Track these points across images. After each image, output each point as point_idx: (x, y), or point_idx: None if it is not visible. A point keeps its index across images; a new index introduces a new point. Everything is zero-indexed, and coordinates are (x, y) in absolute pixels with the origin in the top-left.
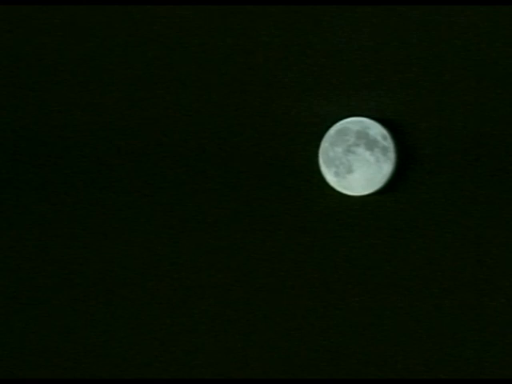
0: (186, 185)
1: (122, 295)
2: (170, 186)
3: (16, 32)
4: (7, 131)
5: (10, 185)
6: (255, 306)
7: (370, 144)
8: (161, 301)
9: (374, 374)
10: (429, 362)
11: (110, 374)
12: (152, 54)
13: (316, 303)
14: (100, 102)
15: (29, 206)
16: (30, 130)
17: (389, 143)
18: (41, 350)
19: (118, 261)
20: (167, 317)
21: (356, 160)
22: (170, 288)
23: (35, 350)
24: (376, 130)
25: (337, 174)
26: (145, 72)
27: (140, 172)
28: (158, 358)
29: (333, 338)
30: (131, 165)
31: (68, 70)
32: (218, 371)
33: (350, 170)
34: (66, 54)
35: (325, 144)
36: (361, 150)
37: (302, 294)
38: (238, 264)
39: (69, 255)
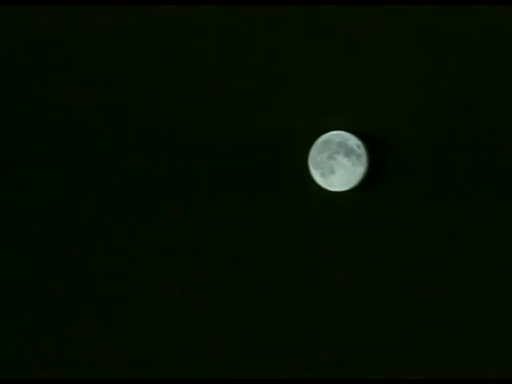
0: (189, 182)
1: (120, 295)
2: (169, 187)
3: (16, 32)
4: (7, 131)
5: (11, 184)
6: (254, 296)
7: (348, 152)
8: (151, 300)
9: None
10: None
11: (110, 374)
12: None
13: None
14: (99, 101)
15: (29, 205)
16: (30, 130)
17: (362, 151)
18: (40, 350)
19: (118, 260)
20: (160, 317)
21: (337, 164)
22: (159, 283)
23: (35, 349)
24: (352, 141)
25: (322, 175)
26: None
27: (137, 175)
28: (158, 358)
29: (324, 333)
30: (124, 169)
31: (68, 69)
32: (213, 371)
33: (332, 172)
34: (66, 54)
35: (313, 152)
36: (340, 157)
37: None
38: (239, 250)
39: (68, 255)
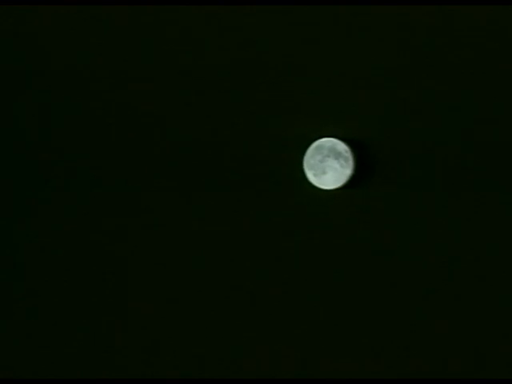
0: (187, 183)
1: (119, 296)
2: (168, 189)
3: (16, 32)
4: (7, 131)
5: (11, 184)
6: (253, 293)
7: (337, 155)
8: (149, 300)
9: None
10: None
11: (109, 374)
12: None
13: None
14: (99, 101)
15: (29, 205)
16: (30, 130)
17: (349, 155)
18: (39, 350)
19: (117, 260)
20: (157, 317)
21: (328, 166)
22: (154, 282)
23: (33, 349)
24: (341, 146)
25: (315, 175)
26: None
27: (131, 176)
28: (158, 358)
29: (319, 331)
30: (116, 170)
31: (67, 69)
32: (209, 371)
33: (323, 173)
34: (65, 54)
35: (307, 155)
36: (331, 160)
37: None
38: (238, 246)
39: (68, 254)
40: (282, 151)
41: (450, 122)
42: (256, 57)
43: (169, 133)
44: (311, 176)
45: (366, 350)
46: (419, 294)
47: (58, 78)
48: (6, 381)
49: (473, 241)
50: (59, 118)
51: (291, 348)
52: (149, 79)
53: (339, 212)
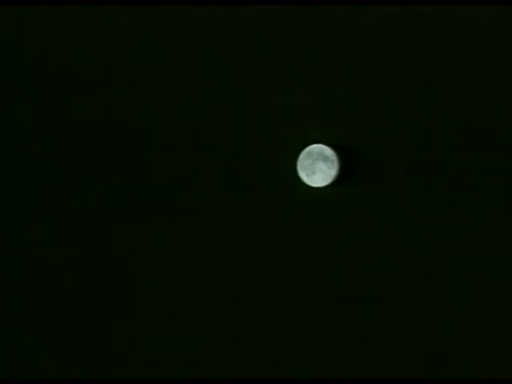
0: (187, 180)
1: (118, 296)
2: (167, 189)
3: (16, 32)
4: (7, 131)
5: (11, 184)
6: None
7: (325, 159)
8: (146, 301)
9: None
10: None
11: (110, 374)
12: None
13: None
14: (98, 102)
15: (29, 204)
16: (30, 130)
17: (334, 158)
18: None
19: (116, 260)
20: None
21: (317, 168)
22: (150, 282)
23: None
24: (328, 151)
25: (307, 175)
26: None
27: (127, 176)
28: (157, 358)
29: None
30: (112, 172)
31: (67, 69)
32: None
33: (313, 173)
34: (65, 54)
35: (300, 158)
36: (320, 162)
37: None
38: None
39: (67, 255)
40: (279, 155)
41: (426, 126)
42: (255, 67)
43: (169, 133)
44: (303, 176)
45: (352, 347)
46: (406, 286)
47: (57, 78)
48: (6, 381)
49: (448, 234)
50: (59, 117)
51: (283, 345)
52: (144, 80)
53: (327, 206)
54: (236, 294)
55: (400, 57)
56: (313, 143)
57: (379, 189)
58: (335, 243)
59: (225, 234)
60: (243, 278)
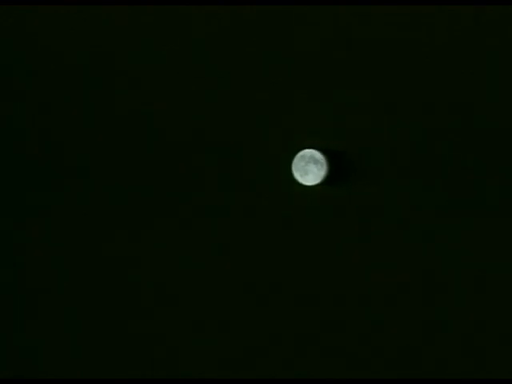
0: (187, 180)
1: (118, 297)
2: (166, 188)
3: (16, 32)
4: (7, 131)
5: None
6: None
7: (316, 161)
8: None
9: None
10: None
11: (110, 374)
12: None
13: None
14: (99, 101)
15: (29, 204)
16: (30, 130)
17: (323, 161)
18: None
19: (116, 261)
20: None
21: (309, 169)
22: (148, 282)
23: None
24: (318, 155)
25: (300, 175)
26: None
27: (124, 175)
28: (157, 358)
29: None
30: (111, 171)
31: (67, 69)
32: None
33: (306, 174)
34: (65, 54)
35: (295, 161)
36: (311, 164)
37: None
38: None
39: (67, 254)
40: (276, 158)
41: (417, 127)
42: (256, 71)
43: (169, 134)
44: (297, 176)
45: (347, 345)
46: (403, 284)
47: (57, 78)
48: (6, 381)
49: (443, 234)
50: (59, 117)
51: (278, 343)
52: (144, 80)
53: (318, 202)
54: (233, 290)
55: (398, 58)
56: (305, 148)
57: (365, 187)
58: (326, 236)
59: (224, 232)
60: (241, 275)
